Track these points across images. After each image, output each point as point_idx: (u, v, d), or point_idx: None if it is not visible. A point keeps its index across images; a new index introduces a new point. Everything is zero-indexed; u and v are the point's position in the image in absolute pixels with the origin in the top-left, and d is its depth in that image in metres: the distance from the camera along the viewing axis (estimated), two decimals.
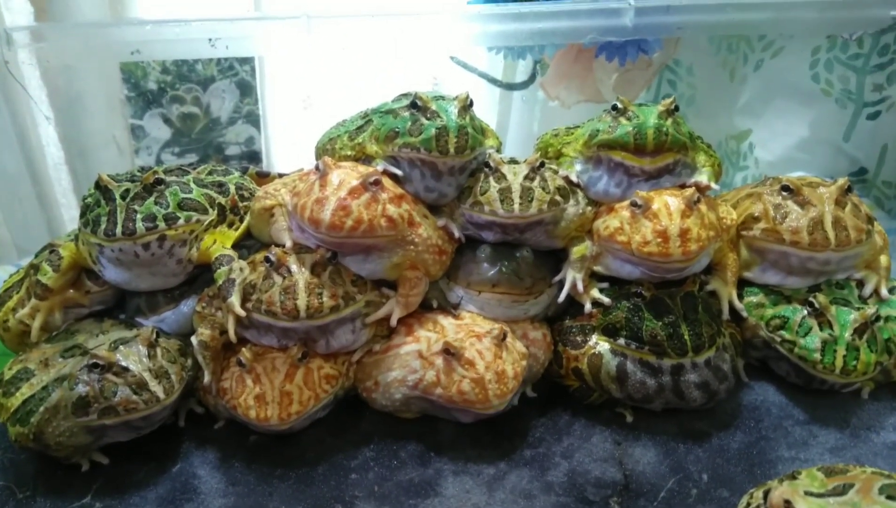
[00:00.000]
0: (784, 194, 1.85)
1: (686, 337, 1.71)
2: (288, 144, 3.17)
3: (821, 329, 1.79)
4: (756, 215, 1.86)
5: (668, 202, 1.71)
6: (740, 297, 1.90)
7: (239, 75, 3.05)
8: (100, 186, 1.67)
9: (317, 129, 2.04)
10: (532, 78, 2.94)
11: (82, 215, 1.71)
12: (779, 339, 1.84)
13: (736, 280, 1.89)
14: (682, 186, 1.80)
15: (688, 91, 2.97)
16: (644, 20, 2.13)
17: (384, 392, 1.77)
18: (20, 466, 1.73)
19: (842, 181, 1.84)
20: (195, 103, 3.05)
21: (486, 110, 3.00)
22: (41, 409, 1.61)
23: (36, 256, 1.90)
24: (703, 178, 1.81)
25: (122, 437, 1.68)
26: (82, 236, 1.74)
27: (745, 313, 1.89)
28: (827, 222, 1.78)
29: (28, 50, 2.19)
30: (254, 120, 3.12)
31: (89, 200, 1.70)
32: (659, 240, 1.68)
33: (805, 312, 1.82)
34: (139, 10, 2.77)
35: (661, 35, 2.44)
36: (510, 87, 3.00)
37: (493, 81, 2.93)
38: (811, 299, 1.81)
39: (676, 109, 1.77)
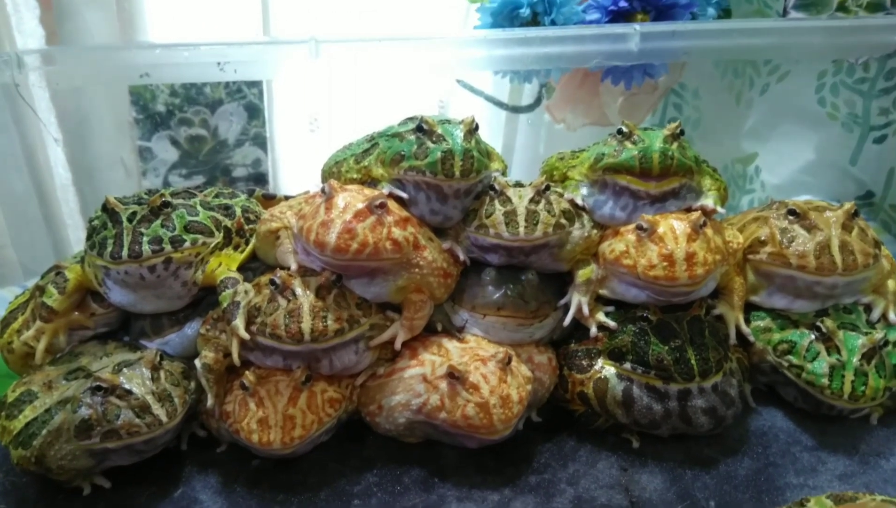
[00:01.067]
0: (791, 218, 1.84)
1: (693, 362, 1.69)
2: (295, 167, 3.19)
3: (829, 354, 1.77)
4: (762, 238, 1.86)
5: (673, 226, 1.70)
6: (747, 321, 1.89)
7: (247, 98, 3.08)
8: (107, 208, 1.67)
9: (323, 151, 2.05)
10: (538, 101, 2.96)
11: (89, 237, 1.72)
12: (786, 364, 1.82)
13: (743, 304, 1.88)
14: (688, 210, 1.80)
15: (693, 114, 2.97)
16: (649, 45, 2.13)
17: (388, 416, 1.76)
18: (22, 490, 1.72)
19: (848, 205, 1.83)
20: (203, 126, 3.08)
21: (492, 133, 3.02)
22: (44, 432, 1.60)
23: (42, 277, 1.90)
24: (708, 201, 1.81)
25: (125, 461, 1.67)
26: (88, 258, 1.75)
27: (752, 338, 1.87)
28: (834, 247, 1.77)
29: (38, 73, 2.21)
30: (261, 142, 3.14)
31: (96, 222, 1.70)
32: (665, 264, 1.67)
33: (812, 336, 1.80)
34: (149, 34, 2.80)
35: (666, 60, 2.45)
36: (516, 110, 3.01)
37: (499, 104, 2.95)
38: (818, 323, 1.80)
39: (682, 133, 1.77)
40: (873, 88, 2.58)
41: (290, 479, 1.74)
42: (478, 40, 2.27)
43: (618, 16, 2.34)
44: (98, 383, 1.58)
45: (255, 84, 3.04)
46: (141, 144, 3.01)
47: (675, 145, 1.74)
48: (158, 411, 1.60)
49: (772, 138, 2.84)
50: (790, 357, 1.81)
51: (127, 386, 1.59)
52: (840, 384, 1.73)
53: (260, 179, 3.21)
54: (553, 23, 2.34)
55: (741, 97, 2.87)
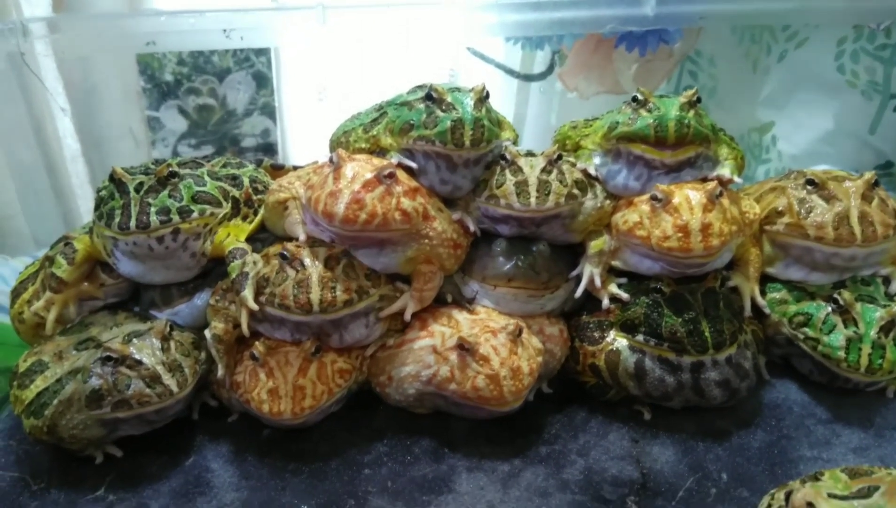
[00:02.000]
0: (809, 188, 1.80)
1: (707, 334, 1.67)
2: (303, 136, 3.16)
3: (845, 327, 1.74)
4: (780, 209, 1.82)
5: (689, 196, 1.67)
6: (763, 293, 1.86)
7: (255, 67, 3.04)
8: (114, 179, 1.66)
9: (332, 120, 2.02)
10: (550, 69, 2.91)
11: (96, 208, 1.71)
12: (802, 336, 1.79)
13: (758, 276, 1.85)
14: (704, 180, 1.76)
15: (709, 82, 2.92)
16: (666, 9, 2.08)
17: (398, 387, 1.75)
18: (35, 458, 1.74)
19: (868, 175, 1.79)
20: (211, 95, 3.05)
21: (503, 101, 2.97)
22: (55, 402, 1.61)
23: (51, 248, 1.90)
24: (725, 171, 1.77)
25: (136, 430, 1.67)
26: (96, 229, 1.74)
27: (767, 310, 1.85)
28: (853, 217, 1.74)
29: (44, 41, 2.19)
30: (269, 112, 3.11)
31: (103, 193, 1.69)
32: (680, 235, 1.64)
33: (829, 309, 1.78)
34: (155, 1, 2.76)
35: (682, 25, 2.39)
36: (528, 78, 2.96)
37: (510, 71, 2.90)
38: (836, 295, 1.77)
39: (698, 100, 1.73)
40: (895, 54, 2.51)
41: (300, 448, 1.75)
42: (489, 5, 2.22)
43: None
44: (108, 353, 1.58)
45: (264, 53, 3.00)
46: (149, 113, 2.99)
47: (691, 113, 1.70)
48: (169, 381, 1.60)
49: (789, 107, 2.78)
50: (806, 330, 1.79)
51: (137, 356, 1.59)
52: (857, 356, 1.70)
53: (269, 148, 3.18)
54: None
55: (758, 64, 2.81)
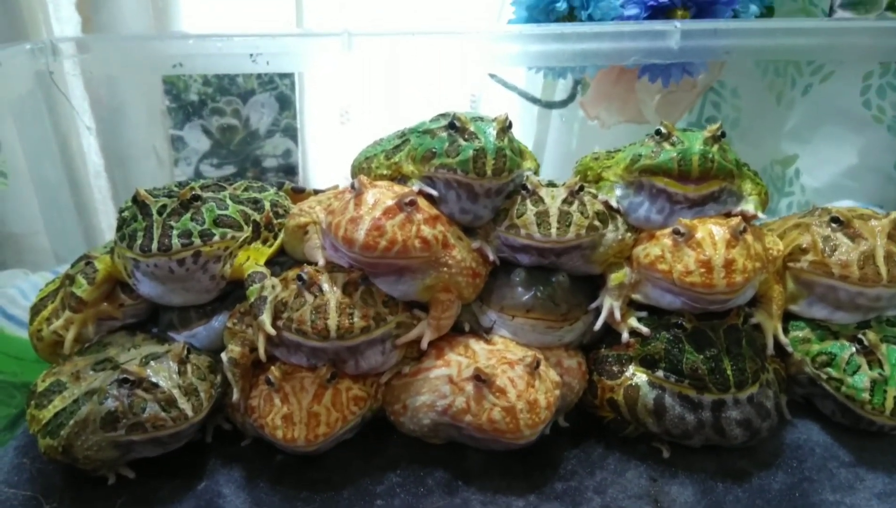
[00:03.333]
0: (834, 225, 1.78)
1: (729, 372, 1.64)
2: (325, 158, 3.18)
3: (870, 368, 1.71)
4: (804, 246, 1.80)
5: (712, 231, 1.65)
6: (785, 331, 1.83)
7: (278, 89, 3.07)
8: (137, 201, 1.67)
9: (354, 143, 2.03)
10: (572, 97, 2.91)
11: (118, 229, 1.71)
12: (825, 376, 1.76)
13: (781, 313, 1.82)
14: (728, 215, 1.74)
15: (732, 114, 2.91)
16: (690, 43, 2.07)
17: (412, 417, 1.74)
18: (48, 476, 1.73)
19: (895, 214, 1.77)
20: (235, 116, 3.08)
21: (524, 129, 2.98)
22: (71, 422, 1.61)
23: (72, 266, 1.91)
24: (749, 207, 1.75)
25: (150, 453, 1.67)
26: (118, 249, 1.75)
27: (790, 349, 1.81)
28: (879, 257, 1.71)
29: (72, 61, 2.22)
30: (292, 133, 3.13)
31: (126, 214, 1.70)
32: (702, 270, 1.62)
33: (854, 349, 1.74)
34: (183, 24, 2.81)
35: (707, 59, 2.39)
36: (549, 105, 2.97)
37: (532, 99, 2.91)
38: (860, 336, 1.73)
39: (723, 134, 1.72)
40: None
41: (313, 476, 1.73)
42: (512, 35, 2.23)
43: (657, 11, 2.28)
44: (125, 375, 1.58)
45: (288, 75, 3.03)
46: (173, 133, 3.03)
47: (715, 148, 1.68)
48: (184, 405, 1.60)
49: (813, 140, 2.76)
50: (829, 370, 1.75)
51: (154, 379, 1.59)
52: (882, 399, 1.67)
53: (290, 169, 3.20)
54: (590, 18, 2.29)
55: (782, 97, 2.80)
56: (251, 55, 2.08)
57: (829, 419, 1.85)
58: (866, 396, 1.69)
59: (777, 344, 1.80)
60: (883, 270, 1.70)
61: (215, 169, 3.13)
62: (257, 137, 3.14)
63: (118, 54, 2.25)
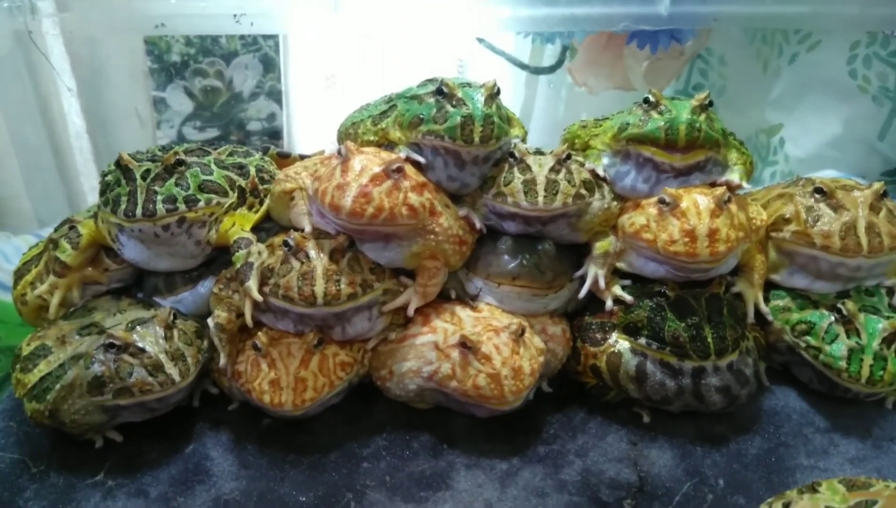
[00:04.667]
0: (817, 196, 1.80)
1: (709, 340, 1.67)
2: (310, 122, 3.15)
3: (848, 337, 1.74)
4: (787, 216, 1.82)
5: (697, 201, 1.66)
6: (766, 300, 1.86)
7: (262, 50, 3.02)
8: (120, 165, 1.65)
9: (339, 107, 2.01)
10: (560, 63, 2.89)
11: (102, 193, 1.70)
12: (804, 345, 1.80)
13: (763, 282, 1.85)
14: (713, 185, 1.75)
15: (719, 81, 2.90)
16: (680, 9, 2.07)
17: (398, 382, 1.76)
18: (35, 440, 1.74)
19: (878, 186, 1.79)
20: (218, 77, 3.03)
21: (512, 95, 2.96)
22: (57, 387, 1.61)
23: (55, 230, 1.89)
24: (734, 176, 1.76)
25: (137, 417, 1.68)
26: (102, 214, 1.73)
27: (770, 317, 1.84)
28: (860, 228, 1.73)
29: (52, 20, 2.17)
30: (276, 97, 3.09)
31: (109, 178, 1.68)
32: (686, 239, 1.64)
33: (832, 318, 1.78)
34: None
35: (696, 25, 2.38)
36: (537, 71, 2.95)
37: (519, 64, 2.89)
38: (839, 305, 1.77)
39: (710, 104, 1.72)
40: None
41: (300, 439, 1.75)
42: None
43: None
44: (111, 340, 1.57)
45: (272, 36, 2.98)
46: (155, 94, 2.97)
47: (702, 117, 1.69)
48: (171, 370, 1.60)
49: (798, 109, 2.77)
50: (808, 338, 1.79)
51: (140, 344, 1.59)
52: (858, 367, 1.71)
53: (274, 133, 3.17)
54: None
55: (769, 65, 2.80)
56: (235, 15, 2.05)
57: (806, 387, 1.89)
58: (843, 364, 1.73)
59: (757, 313, 1.83)
60: (864, 240, 1.72)
61: (198, 132, 3.09)
62: (241, 100, 3.09)
63: (99, 14, 2.20)
